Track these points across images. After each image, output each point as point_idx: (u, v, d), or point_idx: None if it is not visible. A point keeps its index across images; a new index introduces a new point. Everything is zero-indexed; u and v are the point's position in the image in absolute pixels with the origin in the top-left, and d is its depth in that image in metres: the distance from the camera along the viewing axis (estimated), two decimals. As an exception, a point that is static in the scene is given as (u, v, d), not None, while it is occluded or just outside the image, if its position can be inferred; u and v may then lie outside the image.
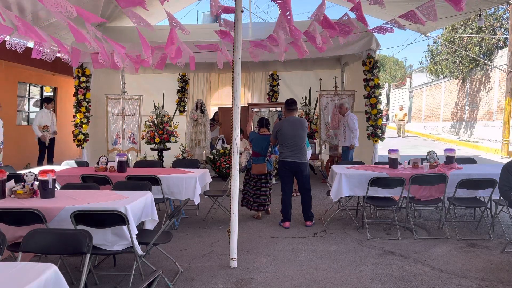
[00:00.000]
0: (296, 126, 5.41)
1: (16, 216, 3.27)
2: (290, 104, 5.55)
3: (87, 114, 8.55)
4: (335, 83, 9.05)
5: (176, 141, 8.97)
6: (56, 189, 3.81)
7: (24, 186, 3.70)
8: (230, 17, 4.31)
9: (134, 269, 3.37)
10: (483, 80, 17.27)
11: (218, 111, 10.43)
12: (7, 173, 3.88)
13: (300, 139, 5.38)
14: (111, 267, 4.01)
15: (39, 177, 3.62)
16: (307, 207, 5.48)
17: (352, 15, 4.36)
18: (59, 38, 5.81)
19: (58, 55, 5.85)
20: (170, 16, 3.97)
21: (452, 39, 18.22)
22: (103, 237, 3.34)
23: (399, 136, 21.09)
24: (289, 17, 4.24)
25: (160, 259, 4.12)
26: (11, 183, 3.78)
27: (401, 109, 22.65)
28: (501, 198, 4.47)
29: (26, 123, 10.87)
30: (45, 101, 9.16)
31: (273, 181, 7.92)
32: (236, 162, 3.99)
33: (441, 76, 21.38)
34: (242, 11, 3.85)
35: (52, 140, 9.03)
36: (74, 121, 8.44)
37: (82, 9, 3.55)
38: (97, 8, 7.51)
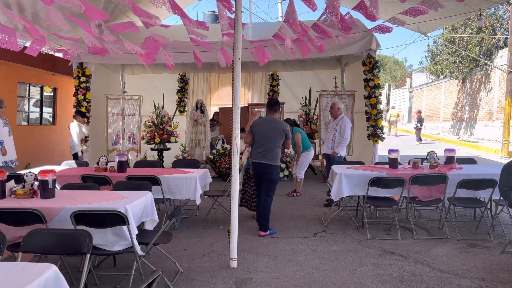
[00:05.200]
0: (271, 126, 5.05)
1: (16, 216, 3.27)
2: (273, 104, 5.21)
3: (87, 114, 8.56)
4: (335, 83, 9.05)
5: (176, 141, 8.97)
6: (56, 189, 3.81)
7: (24, 186, 3.70)
8: (230, 17, 4.31)
9: (134, 269, 3.36)
10: (483, 80, 17.27)
11: (218, 111, 10.43)
12: (7, 173, 3.87)
13: (270, 141, 4.98)
14: (111, 267, 4.00)
15: (39, 177, 3.62)
16: (261, 215, 5.04)
17: (355, 14, 4.37)
18: (59, 38, 5.79)
19: (59, 54, 5.86)
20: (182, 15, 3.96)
21: (452, 39, 18.22)
22: (103, 237, 3.34)
23: (389, 135, 20.38)
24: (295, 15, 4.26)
25: (160, 259, 4.12)
26: (11, 183, 3.78)
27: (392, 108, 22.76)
28: (501, 198, 4.47)
29: (26, 123, 10.88)
30: (80, 115, 8.37)
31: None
32: (236, 162, 3.99)
33: (441, 76, 21.38)
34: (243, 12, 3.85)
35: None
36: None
37: (90, 4, 3.56)
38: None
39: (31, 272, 1.95)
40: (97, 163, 5.51)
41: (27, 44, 4.98)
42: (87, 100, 8.62)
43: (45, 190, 3.63)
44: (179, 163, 6.46)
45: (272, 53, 6.52)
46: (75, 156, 8.00)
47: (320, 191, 7.35)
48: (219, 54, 6.51)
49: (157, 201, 4.71)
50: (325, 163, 7.23)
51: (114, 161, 5.46)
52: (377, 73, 8.07)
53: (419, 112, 19.83)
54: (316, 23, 4.87)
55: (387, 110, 25.01)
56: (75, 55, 7.66)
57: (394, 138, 20.19)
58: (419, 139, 18.46)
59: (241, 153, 5.98)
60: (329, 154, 6.77)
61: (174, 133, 8.96)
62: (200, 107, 9.32)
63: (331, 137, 6.80)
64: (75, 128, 8.12)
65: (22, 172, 4.46)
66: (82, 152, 8.24)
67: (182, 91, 11.17)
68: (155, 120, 8.92)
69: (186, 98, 11.21)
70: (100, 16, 3.79)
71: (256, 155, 5.07)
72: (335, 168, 5.56)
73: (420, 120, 18.75)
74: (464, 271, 3.85)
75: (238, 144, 4.00)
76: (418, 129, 18.58)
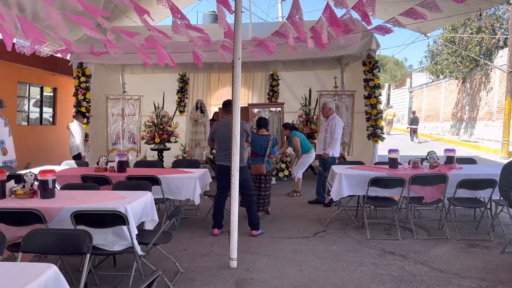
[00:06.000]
0: (229, 128, 4.94)
1: (16, 216, 3.27)
2: (227, 105, 5.15)
3: (87, 114, 8.57)
4: (335, 83, 9.05)
5: (176, 141, 8.97)
6: (56, 189, 3.81)
7: (24, 186, 3.69)
8: (231, 17, 4.31)
9: (134, 269, 3.36)
10: (483, 80, 17.27)
11: (218, 111, 10.42)
12: (7, 173, 3.87)
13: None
14: (111, 267, 4.01)
15: (39, 177, 3.62)
16: (250, 215, 5.07)
17: (354, 14, 4.35)
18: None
19: (59, 54, 5.86)
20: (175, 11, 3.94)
21: (452, 39, 18.22)
22: (103, 237, 3.34)
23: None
24: (297, 16, 4.24)
25: (160, 259, 4.12)
26: (11, 183, 3.77)
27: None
28: (501, 198, 4.47)
29: (26, 123, 10.88)
30: (82, 115, 8.29)
31: (273, 181, 7.93)
32: (236, 162, 3.99)
33: (441, 76, 21.39)
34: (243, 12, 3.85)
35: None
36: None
37: (90, 4, 3.56)
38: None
39: (31, 272, 1.95)
40: (97, 163, 5.51)
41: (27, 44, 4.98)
42: (87, 100, 8.62)
43: (45, 190, 3.63)
44: (179, 163, 6.47)
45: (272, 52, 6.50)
46: (78, 157, 7.93)
47: (320, 191, 7.35)
48: (220, 53, 6.49)
49: (157, 201, 4.71)
50: (318, 163, 7.24)
51: (114, 161, 5.46)
52: (377, 73, 8.07)
53: (413, 112, 20.36)
54: (314, 27, 4.85)
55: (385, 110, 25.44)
56: (76, 53, 7.66)
57: (392, 138, 20.32)
58: (415, 138, 18.76)
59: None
60: (321, 155, 6.74)
61: (174, 133, 8.96)
62: (200, 107, 9.32)
63: (323, 138, 6.75)
64: (77, 129, 8.05)
65: (22, 172, 4.46)
66: (85, 152, 8.18)
67: (182, 91, 11.17)
68: (155, 120, 8.92)
69: (186, 98, 11.21)
70: (101, 13, 3.78)
71: (222, 157, 5.06)
72: (335, 168, 5.57)
73: (410, 120, 19.04)
74: (464, 271, 3.85)
75: (238, 144, 4.00)
76: (412, 129, 18.96)
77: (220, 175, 5.15)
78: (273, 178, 8.27)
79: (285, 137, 7.51)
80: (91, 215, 3.25)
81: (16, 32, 4.17)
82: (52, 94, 11.96)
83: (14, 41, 4.42)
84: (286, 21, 4.77)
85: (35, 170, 4.03)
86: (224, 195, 5.15)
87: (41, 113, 11.48)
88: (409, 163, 5.49)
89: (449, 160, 5.40)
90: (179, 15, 3.85)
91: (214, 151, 8.93)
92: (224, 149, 5.06)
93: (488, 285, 3.55)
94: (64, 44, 5.29)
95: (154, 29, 4.39)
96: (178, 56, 7.42)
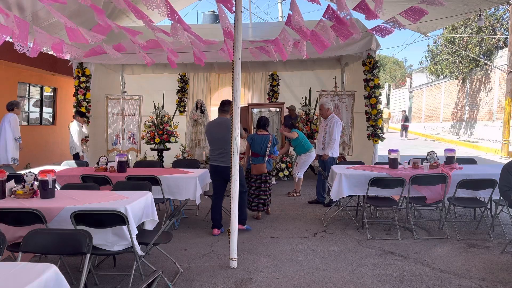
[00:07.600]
0: (222, 128, 4.96)
1: (16, 216, 3.27)
2: (221, 105, 5.16)
3: (87, 114, 8.57)
4: (335, 83, 9.05)
5: (176, 141, 8.98)
6: (56, 189, 3.81)
7: (24, 186, 3.70)
8: (231, 17, 4.31)
9: (134, 269, 3.36)
10: (483, 80, 17.27)
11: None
12: (7, 173, 3.87)
13: (226, 143, 4.77)
14: (111, 267, 4.01)
15: (39, 177, 3.62)
16: (240, 210, 4.86)
17: (355, 14, 4.35)
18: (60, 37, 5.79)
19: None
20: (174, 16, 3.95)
21: (452, 39, 18.22)
22: (103, 237, 3.34)
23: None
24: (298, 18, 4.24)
25: (160, 259, 4.12)
26: (11, 183, 3.78)
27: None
28: (501, 198, 4.47)
29: (26, 123, 10.88)
30: (79, 115, 8.28)
31: (273, 181, 7.93)
32: (236, 162, 3.99)
33: (441, 76, 21.39)
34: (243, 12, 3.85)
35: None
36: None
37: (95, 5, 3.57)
38: (97, 8, 7.49)
39: (31, 272, 1.95)
40: (97, 163, 5.51)
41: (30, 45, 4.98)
42: (87, 100, 8.63)
43: (45, 190, 3.63)
44: (179, 163, 6.47)
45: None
46: (76, 156, 7.95)
47: (320, 191, 7.34)
48: (221, 53, 6.50)
49: (157, 201, 4.71)
50: (318, 163, 7.25)
51: (114, 161, 5.46)
52: (377, 73, 8.08)
53: (404, 111, 22.37)
54: (313, 30, 4.84)
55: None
56: (72, 57, 7.67)
57: (388, 137, 20.68)
58: (404, 136, 20.48)
59: (241, 153, 5.98)
60: (321, 156, 6.73)
61: (174, 133, 8.96)
62: (200, 107, 9.33)
63: (322, 138, 6.76)
64: (75, 128, 8.07)
65: (22, 172, 4.46)
66: (82, 152, 8.21)
67: (182, 91, 11.17)
68: (155, 120, 8.92)
69: (186, 98, 11.21)
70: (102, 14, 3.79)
71: (214, 157, 5.07)
72: (335, 168, 5.57)
73: (402, 118, 21.03)
74: (464, 271, 3.85)
75: (238, 144, 4.00)
76: (403, 126, 20.80)
77: (212, 175, 5.18)
78: (273, 178, 8.26)
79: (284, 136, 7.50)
80: (91, 215, 3.25)
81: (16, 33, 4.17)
82: (52, 94, 11.96)
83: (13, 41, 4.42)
84: (285, 26, 4.77)
85: (35, 170, 4.03)
86: (219, 195, 5.16)
87: (41, 113, 11.48)
88: (409, 163, 5.49)
89: (449, 160, 5.40)
90: (176, 17, 3.85)
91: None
92: (214, 149, 5.08)
93: (488, 285, 3.55)
94: (56, 50, 5.30)
95: (157, 29, 4.38)
96: (179, 56, 7.44)
